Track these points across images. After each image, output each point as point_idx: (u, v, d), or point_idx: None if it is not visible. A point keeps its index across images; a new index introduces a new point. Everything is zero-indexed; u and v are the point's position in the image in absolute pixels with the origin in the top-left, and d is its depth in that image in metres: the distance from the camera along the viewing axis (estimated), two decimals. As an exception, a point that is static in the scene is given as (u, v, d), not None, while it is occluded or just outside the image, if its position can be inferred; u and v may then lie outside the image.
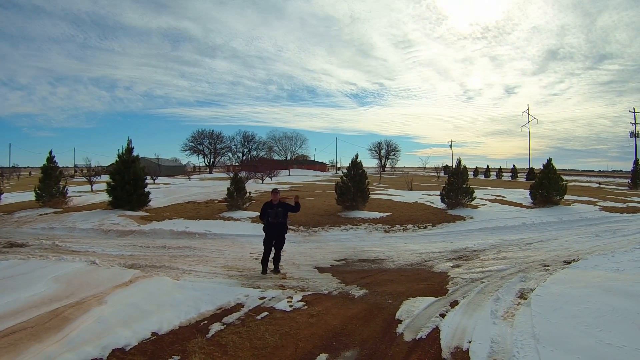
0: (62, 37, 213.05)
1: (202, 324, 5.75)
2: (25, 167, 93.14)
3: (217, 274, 8.41)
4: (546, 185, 19.04)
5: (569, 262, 9.40)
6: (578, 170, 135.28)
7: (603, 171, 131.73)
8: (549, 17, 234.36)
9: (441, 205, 17.74)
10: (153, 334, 5.34)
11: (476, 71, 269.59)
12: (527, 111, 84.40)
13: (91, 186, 28.69)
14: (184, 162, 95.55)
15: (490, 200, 20.43)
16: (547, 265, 9.15)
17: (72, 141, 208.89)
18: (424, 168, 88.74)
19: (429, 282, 7.97)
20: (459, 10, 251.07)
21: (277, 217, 8.56)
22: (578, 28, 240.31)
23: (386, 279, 8.13)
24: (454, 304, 6.69)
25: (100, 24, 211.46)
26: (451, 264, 9.39)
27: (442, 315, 6.17)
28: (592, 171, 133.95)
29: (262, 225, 8.85)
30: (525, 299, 6.82)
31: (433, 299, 6.90)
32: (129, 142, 16.71)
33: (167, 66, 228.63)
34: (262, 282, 7.83)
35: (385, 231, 13.28)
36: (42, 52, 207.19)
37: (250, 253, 10.26)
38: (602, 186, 43.59)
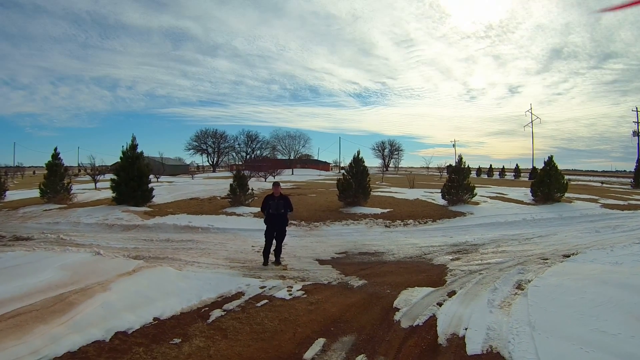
0: (63, 37, 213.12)
1: (203, 310, 5.88)
2: (30, 167, 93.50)
3: (219, 265, 8.55)
4: (547, 182, 19.08)
5: (568, 256, 9.47)
6: (581, 171, 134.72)
7: (606, 171, 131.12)
8: (553, 15, 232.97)
9: (442, 202, 17.83)
10: (155, 318, 5.48)
11: (479, 70, 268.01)
12: (530, 111, 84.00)
13: (95, 184, 28.91)
14: (187, 162, 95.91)
15: (491, 198, 20.47)
16: (546, 259, 9.23)
17: (75, 141, 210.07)
18: (427, 168, 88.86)
19: (428, 273, 8.08)
20: (462, 9, 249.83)
21: (278, 209, 8.72)
22: (582, 27, 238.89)
23: (385, 271, 8.25)
24: (451, 294, 6.79)
25: (101, 23, 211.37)
26: (450, 257, 9.49)
27: (440, 304, 6.27)
28: (596, 171, 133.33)
29: (264, 219, 8.99)
30: (522, 289, 6.91)
31: (431, 289, 7.00)
32: (133, 138, 16.89)
33: (168, 65, 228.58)
34: (263, 273, 7.96)
35: (386, 226, 13.38)
36: (43, 51, 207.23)
37: (252, 246, 10.40)
38: (604, 185, 43.62)
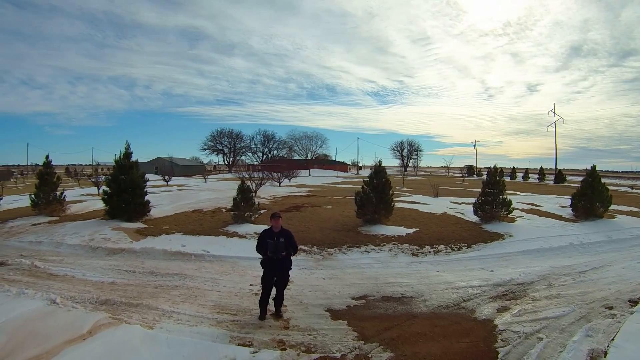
0: (80, 37, 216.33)
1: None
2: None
3: (203, 317, 6.75)
4: (589, 195, 16.88)
5: (636, 302, 7.68)
6: (602, 171, 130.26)
7: (627, 172, 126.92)
8: (571, 12, 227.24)
9: (474, 219, 15.72)
10: None
11: (497, 68, 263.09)
12: (552, 110, 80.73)
13: (98, 189, 27.77)
14: (205, 161, 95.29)
15: (525, 211, 18.28)
16: (611, 307, 7.39)
17: (92, 139, 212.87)
18: (447, 168, 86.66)
19: (472, 337, 6.14)
20: (479, 6, 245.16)
21: (277, 251, 6.65)
22: (601, 23, 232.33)
23: (417, 332, 6.30)
24: (510, 382, 4.88)
25: (117, 23, 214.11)
26: (496, 306, 7.50)
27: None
28: (616, 172, 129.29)
29: (260, 261, 6.98)
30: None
31: (482, 372, 5.10)
32: (127, 146, 15.28)
33: (185, 65, 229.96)
34: (257, 335, 6.12)
35: (413, 254, 11.35)
36: (60, 51, 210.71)
37: (251, 285, 8.53)
38: (634, 191, 40.87)
